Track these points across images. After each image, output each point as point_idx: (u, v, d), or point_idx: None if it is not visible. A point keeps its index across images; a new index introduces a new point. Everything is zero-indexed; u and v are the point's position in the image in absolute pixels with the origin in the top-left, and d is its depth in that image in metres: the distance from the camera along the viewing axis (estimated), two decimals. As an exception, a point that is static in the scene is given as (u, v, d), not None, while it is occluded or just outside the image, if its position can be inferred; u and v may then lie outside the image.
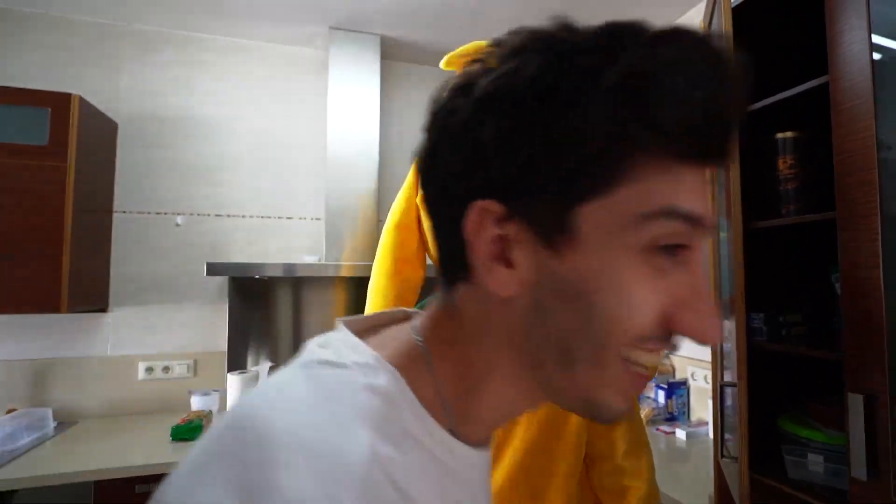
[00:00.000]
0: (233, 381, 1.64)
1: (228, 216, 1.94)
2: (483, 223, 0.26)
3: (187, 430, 1.47)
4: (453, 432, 0.28)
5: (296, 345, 1.94)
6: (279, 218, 2.01)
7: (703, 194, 0.26)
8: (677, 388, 1.65)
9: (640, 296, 0.24)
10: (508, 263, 0.26)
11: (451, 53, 0.74)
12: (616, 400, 0.27)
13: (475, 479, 0.31)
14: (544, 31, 0.27)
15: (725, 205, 0.98)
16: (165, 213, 1.87)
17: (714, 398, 1.10)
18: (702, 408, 1.61)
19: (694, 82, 0.23)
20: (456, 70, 0.74)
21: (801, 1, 1.02)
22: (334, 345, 0.29)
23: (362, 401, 0.25)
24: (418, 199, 0.72)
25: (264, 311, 1.92)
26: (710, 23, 1.13)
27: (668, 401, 1.64)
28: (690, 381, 1.70)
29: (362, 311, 0.77)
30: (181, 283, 1.86)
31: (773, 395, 1.04)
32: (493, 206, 0.25)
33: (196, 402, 1.68)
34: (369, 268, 0.79)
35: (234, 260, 1.91)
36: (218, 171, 1.94)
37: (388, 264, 0.74)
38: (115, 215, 1.82)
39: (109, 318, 1.79)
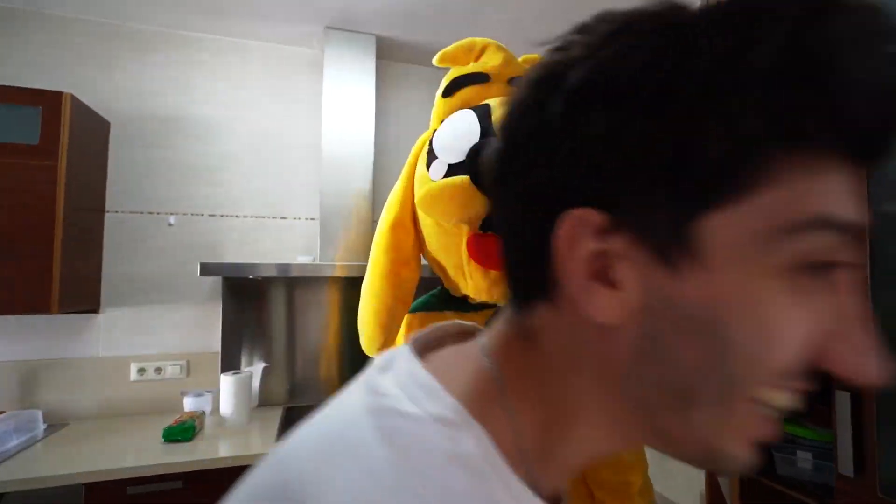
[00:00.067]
0: (226, 381, 1.63)
1: (222, 216, 1.94)
2: (579, 235, 0.22)
3: (180, 431, 1.46)
4: (532, 485, 0.24)
5: (290, 345, 1.94)
6: (273, 218, 2.00)
7: (859, 198, 0.21)
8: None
9: (784, 325, 0.20)
10: (611, 284, 0.22)
11: (445, 49, 0.73)
12: (742, 450, 0.22)
13: None
14: (648, 10, 0.22)
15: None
16: (158, 213, 1.86)
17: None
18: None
19: (877, 64, 0.19)
20: (450, 66, 0.75)
21: None
22: (401, 376, 0.26)
23: (451, 482, 0.21)
24: (417, 200, 0.70)
25: (258, 312, 1.92)
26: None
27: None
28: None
29: (356, 312, 0.77)
30: (174, 284, 1.85)
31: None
32: (592, 216, 0.21)
33: (189, 403, 1.68)
34: (364, 268, 0.78)
35: (227, 260, 1.90)
36: (212, 170, 1.93)
37: (385, 265, 0.72)
38: (107, 215, 1.80)
39: (101, 319, 1.78)
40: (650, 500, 0.77)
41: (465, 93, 0.71)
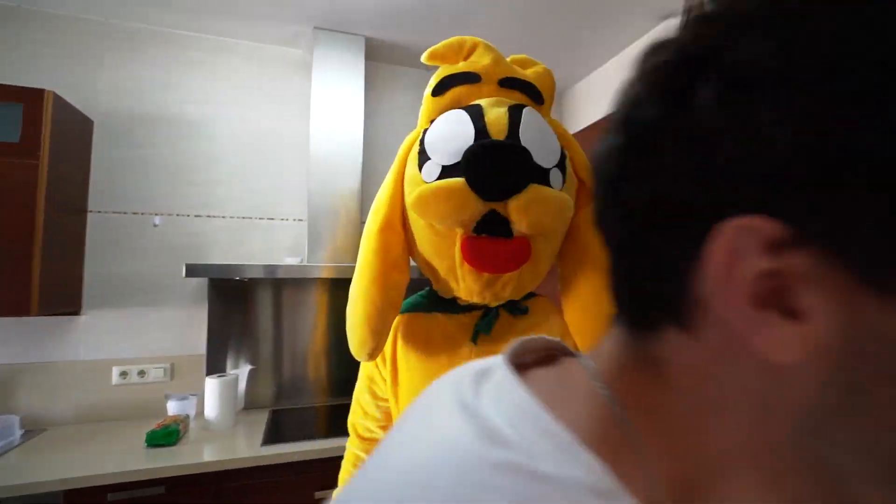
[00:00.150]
0: (211, 384, 1.60)
1: (208, 217, 1.91)
2: (743, 250, 0.17)
3: (163, 436, 1.43)
4: None
5: (277, 347, 1.92)
6: (261, 219, 1.98)
7: None
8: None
9: None
10: (790, 313, 0.17)
11: (434, 47, 0.72)
12: None
13: None
14: None
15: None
16: (143, 214, 1.83)
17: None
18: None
19: None
20: (438, 65, 0.74)
21: None
22: (505, 402, 0.22)
23: None
24: (410, 202, 0.68)
25: (245, 314, 1.89)
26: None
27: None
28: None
29: (344, 314, 0.75)
30: (158, 285, 1.82)
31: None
32: (763, 226, 0.17)
33: (173, 407, 1.64)
34: (352, 269, 0.76)
35: (213, 261, 1.88)
36: (198, 170, 1.91)
37: (375, 269, 0.70)
38: (89, 215, 1.77)
39: (82, 321, 1.74)
40: None
41: (456, 92, 0.70)
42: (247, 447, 1.44)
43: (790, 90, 0.17)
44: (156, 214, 1.84)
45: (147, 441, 1.42)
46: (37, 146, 1.45)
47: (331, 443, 1.46)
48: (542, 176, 0.64)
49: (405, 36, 1.96)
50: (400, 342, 0.75)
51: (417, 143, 0.70)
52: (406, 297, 0.76)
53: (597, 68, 2.29)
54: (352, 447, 0.87)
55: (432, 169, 0.65)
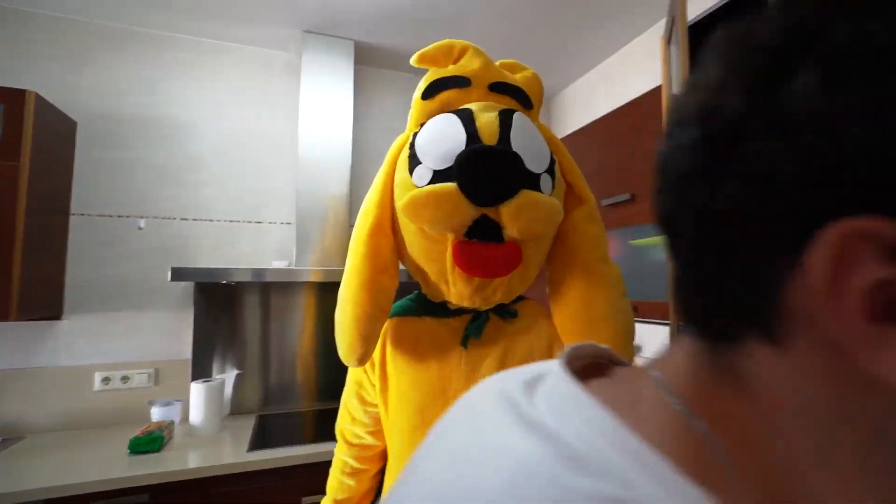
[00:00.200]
0: (197, 389, 1.58)
1: (195, 220, 1.89)
2: (855, 257, 0.15)
3: (147, 442, 1.40)
4: None
5: (264, 352, 1.90)
6: (248, 222, 1.97)
7: None
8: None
9: None
10: None
11: (424, 50, 0.71)
12: None
13: None
14: None
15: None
16: (127, 216, 1.80)
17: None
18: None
19: None
20: (428, 68, 0.74)
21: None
22: (570, 415, 0.21)
23: None
24: (401, 207, 0.66)
25: (231, 318, 1.87)
26: (668, 40, 1.19)
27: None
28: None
29: (332, 318, 0.75)
30: (143, 289, 1.80)
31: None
32: (880, 228, 0.15)
33: (157, 413, 1.62)
34: (341, 273, 0.75)
35: (200, 265, 1.86)
36: (184, 173, 1.89)
37: (365, 274, 0.69)
38: (72, 218, 1.74)
39: (63, 326, 1.70)
40: None
41: (445, 96, 0.69)
42: (233, 453, 1.42)
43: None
44: (140, 217, 1.82)
45: (130, 448, 1.40)
46: (18, 147, 1.42)
47: (318, 448, 1.45)
48: (532, 181, 0.65)
49: (394, 40, 1.97)
50: (389, 347, 0.75)
51: (407, 146, 0.69)
52: (394, 300, 0.76)
53: (584, 74, 2.32)
54: (340, 454, 0.86)
55: (423, 173, 0.64)
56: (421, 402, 0.70)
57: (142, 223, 1.82)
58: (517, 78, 0.74)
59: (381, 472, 0.84)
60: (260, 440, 1.53)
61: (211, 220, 1.91)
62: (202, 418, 1.57)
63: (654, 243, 1.45)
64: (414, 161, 0.66)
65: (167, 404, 1.64)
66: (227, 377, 1.83)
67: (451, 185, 0.61)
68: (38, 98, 1.49)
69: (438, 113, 0.69)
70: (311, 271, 1.66)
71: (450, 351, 0.72)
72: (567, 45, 2.03)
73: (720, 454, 0.19)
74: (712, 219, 0.19)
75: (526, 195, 0.62)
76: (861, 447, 0.17)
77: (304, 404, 1.93)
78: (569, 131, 2.28)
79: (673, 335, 1.25)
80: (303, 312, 1.97)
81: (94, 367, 1.71)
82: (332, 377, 1.97)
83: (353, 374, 0.81)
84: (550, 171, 0.68)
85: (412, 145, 0.68)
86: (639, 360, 1.79)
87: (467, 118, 0.65)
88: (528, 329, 0.74)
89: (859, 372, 0.16)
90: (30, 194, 1.44)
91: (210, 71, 1.95)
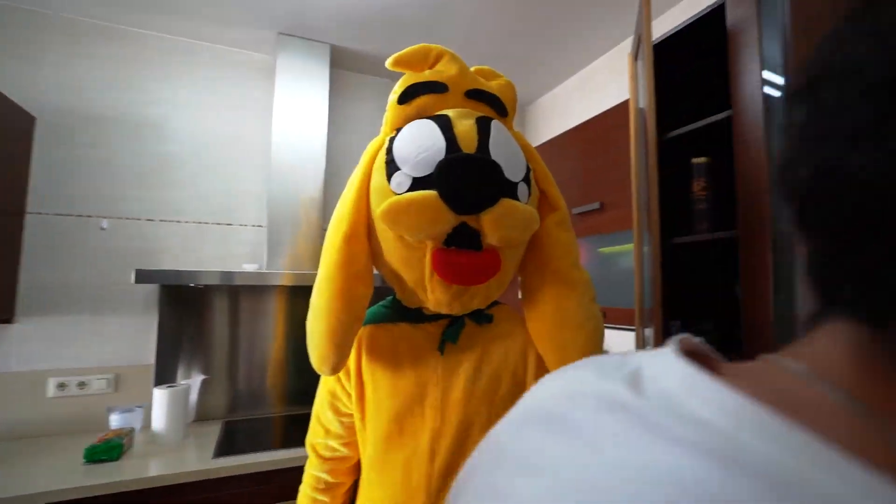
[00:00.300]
0: (160, 395, 1.53)
1: (161, 221, 1.84)
2: None
3: (104, 450, 1.35)
4: None
5: (232, 357, 1.86)
6: (218, 224, 1.93)
7: None
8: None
9: None
10: None
11: (399, 53, 0.70)
12: None
13: None
14: None
15: (647, 222, 1.07)
16: (89, 216, 1.74)
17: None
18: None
19: None
20: (403, 71, 0.73)
21: (713, 40, 1.15)
22: (721, 415, 0.18)
23: None
24: (380, 213, 0.64)
25: (198, 322, 1.82)
26: (636, 56, 1.25)
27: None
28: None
29: (304, 322, 0.73)
30: (104, 292, 1.73)
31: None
32: None
33: (116, 420, 1.56)
34: (313, 277, 0.73)
35: (166, 267, 1.80)
36: (151, 173, 1.84)
37: (339, 282, 0.67)
38: (28, 217, 1.66)
39: (15, 330, 1.62)
40: None
41: (422, 101, 0.69)
42: (197, 460, 1.38)
43: None
44: (103, 217, 1.75)
45: (86, 457, 1.34)
46: (-30, 142, 1.36)
47: (288, 454, 1.43)
48: (511, 190, 0.65)
49: (371, 45, 1.97)
50: (365, 354, 0.74)
51: (384, 151, 0.68)
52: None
53: (557, 86, 2.39)
54: (312, 470, 0.82)
55: (402, 180, 0.64)
56: (398, 409, 0.69)
57: (104, 224, 1.75)
58: (493, 85, 0.74)
59: (354, 488, 0.81)
60: (226, 446, 1.50)
61: (178, 222, 1.86)
62: (165, 425, 1.52)
63: (622, 251, 1.50)
64: (392, 167, 0.65)
65: (127, 411, 1.59)
66: (193, 382, 1.78)
67: (431, 193, 0.60)
68: (-6, 91, 1.42)
69: (414, 118, 0.69)
70: (283, 275, 1.64)
71: (426, 357, 0.71)
72: (541, 57, 2.08)
73: None
74: (871, 190, 0.16)
75: (505, 204, 0.62)
76: None
77: (273, 410, 1.90)
78: (542, 140, 2.33)
79: (639, 340, 1.30)
80: (273, 317, 1.94)
81: (48, 372, 1.63)
82: (302, 382, 1.94)
83: (326, 385, 0.78)
84: (527, 179, 0.69)
85: (389, 150, 0.67)
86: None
87: (445, 125, 0.64)
88: (503, 334, 0.74)
89: None
90: (-18, 191, 1.37)
91: (181, 70, 1.91)
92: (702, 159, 1.17)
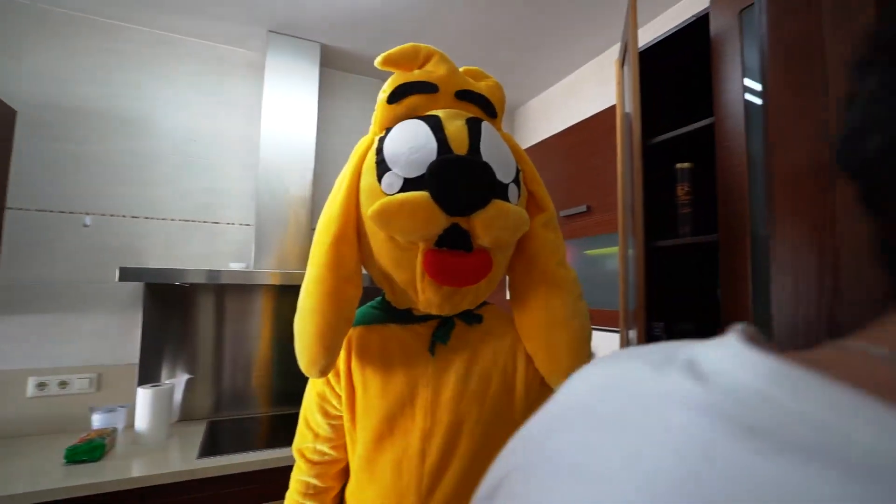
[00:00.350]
0: (143, 395, 1.51)
1: (146, 218, 1.81)
2: None
3: (86, 451, 1.33)
4: None
5: (218, 356, 1.84)
6: (204, 222, 1.91)
7: None
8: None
9: None
10: None
11: (389, 52, 0.69)
12: None
13: None
14: None
15: (632, 225, 1.09)
16: (72, 213, 1.71)
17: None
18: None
19: None
20: (392, 70, 0.72)
21: (697, 49, 1.18)
22: (807, 407, 0.15)
23: None
24: (370, 214, 0.63)
25: (183, 321, 1.80)
26: (622, 63, 1.27)
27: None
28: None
29: (290, 322, 0.73)
30: (87, 290, 1.70)
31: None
32: None
33: (98, 420, 1.54)
34: (299, 276, 0.72)
35: (151, 265, 1.78)
36: (136, 169, 1.81)
37: (328, 284, 0.66)
38: (7, 212, 1.63)
39: (-6, 328, 1.59)
40: None
41: (412, 101, 0.68)
42: (181, 460, 1.37)
43: None
44: (86, 214, 1.73)
45: (66, 457, 1.32)
46: (-52, 135, 1.33)
47: (273, 454, 1.43)
48: (502, 191, 0.66)
49: (362, 45, 1.97)
50: (355, 356, 0.73)
51: (373, 151, 0.68)
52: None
53: (546, 90, 2.41)
54: (300, 475, 0.79)
55: (393, 181, 0.63)
56: (388, 410, 0.69)
57: (87, 220, 1.72)
58: (482, 86, 0.74)
59: (341, 493, 0.80)
60: (211, 446, 1.48)
61: (163, 219, 1.84)
62: (149, 425, 1.50)
63: (608, 253, 1.52)
64: (382, 167, 0.65)
65: (110, 410, 1.56)
66: (177, 382, 1.76)
67: (423, 194, 0.60)
68: (-26, 83, 1.39)
69: (404, 118, 0.68)
70: (270, 274, 1.64)
71: (417, 358, 0.71)
72: (530, 62, 2.11)
73: None
74: None
75: (497, 205, 0.63)
76: None
77: (258, 410, 1.89)
78: (530, 143, 2.35)
79: (623, 342, 1.32)
80: (260, 316, 1.92)
81: (27, 371, 1.60)
82: (288, 382, 1.94)
83: (315, 388, 0.77)
84: (516, 180, 0.70)
85: (379, 151, 0.66)
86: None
87: (436, 125, 0.64)
88: (492, 333, 0.75)
89: None
90: (-39, 185, 1.34)
91: (168, 65, 1.89)
92: (686, 164, 1.20)
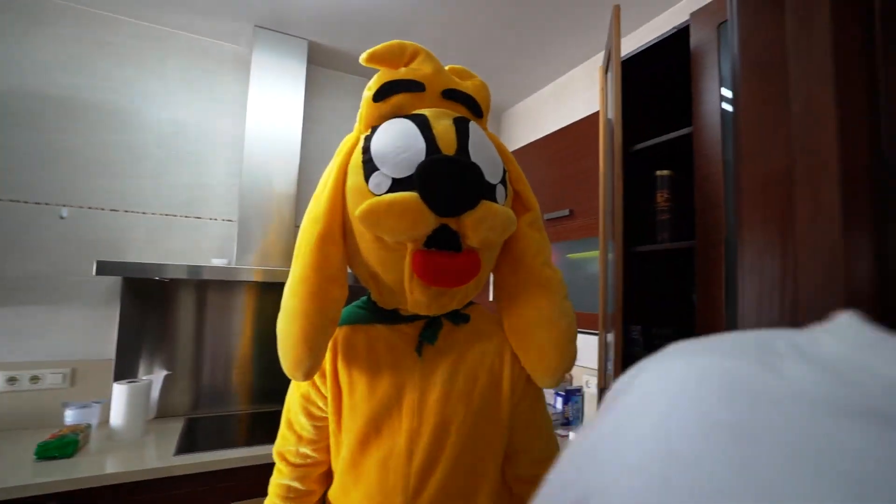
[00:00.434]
0: (119, 390, 1.49)
1: (126, 211, 1.78)
2: None
3: (57, 447, 1.30)
4: None
5: (197, 353, 1.82)
6: (186, 217, 1.88)
7: None
8: (573, 395, 1.80)
9: None
10: None
11: (374, 49, 0.68)
12: None
13: None
14: None
15: (612, 230, 1.12)
16: (47, 204, 1.67)
17: (598, 402, 1.22)
18: (594, 413, 1.77)
19: None
20: (377, 67, 0.71)
21: (678, 59, 1.21)
22: None
23: None
24: (358, 215, 0.63)
25: (162, 316, 1.78)
26: (606, 70, 1.30)
27: (565, 407, 1.78)
28: (585, 389, 1.86)
29: (272, 319, 0.72)
30: (62, 283, 1.66)
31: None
32: None
33: (71, 416, 1.51)
34: (282, 273, 0.71)
35: (130, 259, 1.75)
36: (116, 162, 1.78)
37: (313, 284, 0.65)
38: (-20, 202, 1.58)
39: (-37, 320, 1.54)
40: None
41: (398, 99, 0.67)
42: (157, 457, 1.35)
43: None
44: (63, 206, 1.69)
45: (37, 453, 1.29)
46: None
47: (251, 451, 1.41)
48: (490, 192, 0.66)
49: (349, 43, 1.97)
50: (341, 356, 0.72)
51: (360, 150, 0.67)
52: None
53: (533, 93, 2.44)
54: (280, 479, 0.77)
55: (381, 181, 0.62)
56: (375, 412, 0.68)
57: (64, 212, 1.69)
58: (468, 85, 0.74)
59: (323, 499, 0.78)
60: (188, 443, 1.47)
61: (144, 213, 1.81)
62: (124, 421, 1.48)
63: (589, 257, 1.55)
64: (370, 167, 0.64)
65: (84, 406, 1.53)
66: (155, 378, 1.73)
67: (412, 195, 0.59)
68: (-51, 68, 1.36)
69: (389, 116, 0.68)
70: (253, 271, 1.62)
71: (404, 358, 0.70)
72: (517, 65, 2.13)
73: None
74: None
75: (486, 206, 0.63)
76: None
77: (238, 407, 1.87)
78: (520, 144, 2.38)
79: (601, 345, 1.34)
80: (241, 313, 1.91)
81: (-2, 365, 1.56)
82: (269, 380, 1.92)
83: (299, 390, 0.75)
84: (503, 181, 0.70)
85: (366, 150, 0.66)
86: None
87: (423, 125, 0.64)
88: (479, 333, 0.74)
89: None
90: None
91: (153, 57, 1.86)
92: (665, 172, 1.23)
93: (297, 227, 0.72)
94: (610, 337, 1.15)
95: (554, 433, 0.80)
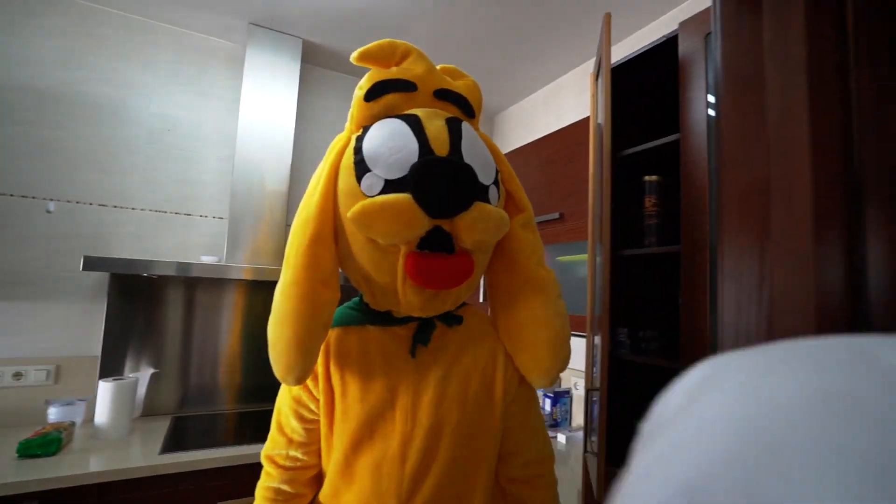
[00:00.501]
0: (105, 388, 1.47)
1: (115, 207, 1.77)
2: None
3: (39, 445, 1.29)
4: None
5: (185, 351, 1.80)
6: (176, 213, 1.87)
7: None
8: (562, 397, 1.82)
9: None
10: None
11: (366, 47, 0.68)
12: None
13: None
14: None
15: (600, 233, 1.13)
16: (34, 198, 1.65)
17: (585, 403, 1.24)
18: (582, 414, 1.79)
19: None
20: (369, 66, 0.70)
21: (667, 67, 1.23)
22: None
23: None
24: (351, 216, 0.62)
25: (150, 314, 1.76)
26: (597, 76, 1.32)
27: (553, 408, 1.80)
28: (573, 391, 1.88)
29: (262, 318, 0.71)
30: (47, 278, 1.64)
31: (635, 399, 1.21)
32: None
33: (55, 414, 1.48)
34: (274, 272, 0.70)
35: (118, 255, 1.73)
36: (105, 157, 1.76)
37: (305, 287, 0.64)
38: (-35, 195, 1.56)
39: (-56, 315, 1.52)
40: (555, 492, 0.78)
41: (390, 99, 0.67)
42: (142, 456, 1.34)
43: None
44: (50, 200, 1.67)
45: (19, 451, 1.27)
46: None
47: (238, 450, 1.41)
48: (483, 193, 0.65)
49: (343, 43, 1.98)
50: (333, 359, 0.71)
51: (351, 151, 0.66)
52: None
53: (526, 97, 2.46)
54: (270, 482, 0.74)
55: (374, 182, 0.62)
56: (368, 414, 0.67)
57: (51, 206, 1.67)
58: (459, 85, 0.74)
59: (313, 502, 0.76)
60: (174, 442, 1.45)
61: (133, 209, 1.80)
62: (109, 419, 1.46)
63: (578, 260, 1.57)
64: (362, 168, 0.63)
65: (68, 404, 1.51)
66: (142, 376, 1.72)
67: (405, 197, 0.59)
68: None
69: (381, 116, 0.67)
70: (243, 269, 1.62)
71: (397, 360, 0.69)
72: (511, 69, 2.15)
73: None
74: None
75: (479, 208, 0.62)
76: None
77: (225, 406, 1.86)
78: (513, 147, 2.40)
79: (589, 347, 1.36)
80: (231, 311, 1.90)
81: (-20, 362, 1.54)
82: (258, 379, 1.91)
83: (290, 393, 0.73)
84: (496, 182, 0.70)
85: (358, 150, 0.65)
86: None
87: (416, 125, 0.63)
88: (472, 334, 0.74)
89: None
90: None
91: (145, 52, 1.85)
92: (653, 177, 1.25)
93: (289, 225, 0.72)
94: (597, 339, 1.17)
95: (547, 434, 0.80)
